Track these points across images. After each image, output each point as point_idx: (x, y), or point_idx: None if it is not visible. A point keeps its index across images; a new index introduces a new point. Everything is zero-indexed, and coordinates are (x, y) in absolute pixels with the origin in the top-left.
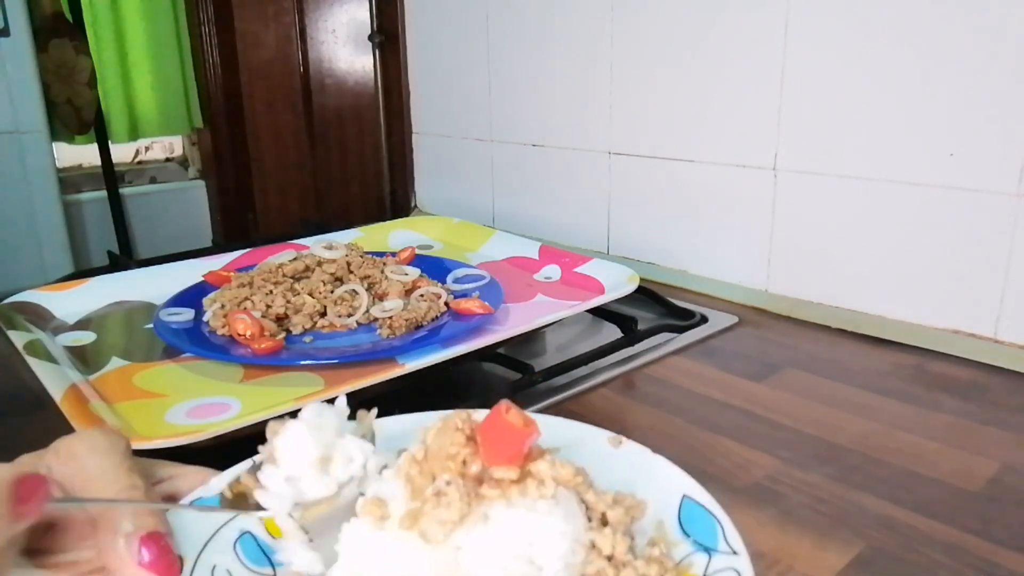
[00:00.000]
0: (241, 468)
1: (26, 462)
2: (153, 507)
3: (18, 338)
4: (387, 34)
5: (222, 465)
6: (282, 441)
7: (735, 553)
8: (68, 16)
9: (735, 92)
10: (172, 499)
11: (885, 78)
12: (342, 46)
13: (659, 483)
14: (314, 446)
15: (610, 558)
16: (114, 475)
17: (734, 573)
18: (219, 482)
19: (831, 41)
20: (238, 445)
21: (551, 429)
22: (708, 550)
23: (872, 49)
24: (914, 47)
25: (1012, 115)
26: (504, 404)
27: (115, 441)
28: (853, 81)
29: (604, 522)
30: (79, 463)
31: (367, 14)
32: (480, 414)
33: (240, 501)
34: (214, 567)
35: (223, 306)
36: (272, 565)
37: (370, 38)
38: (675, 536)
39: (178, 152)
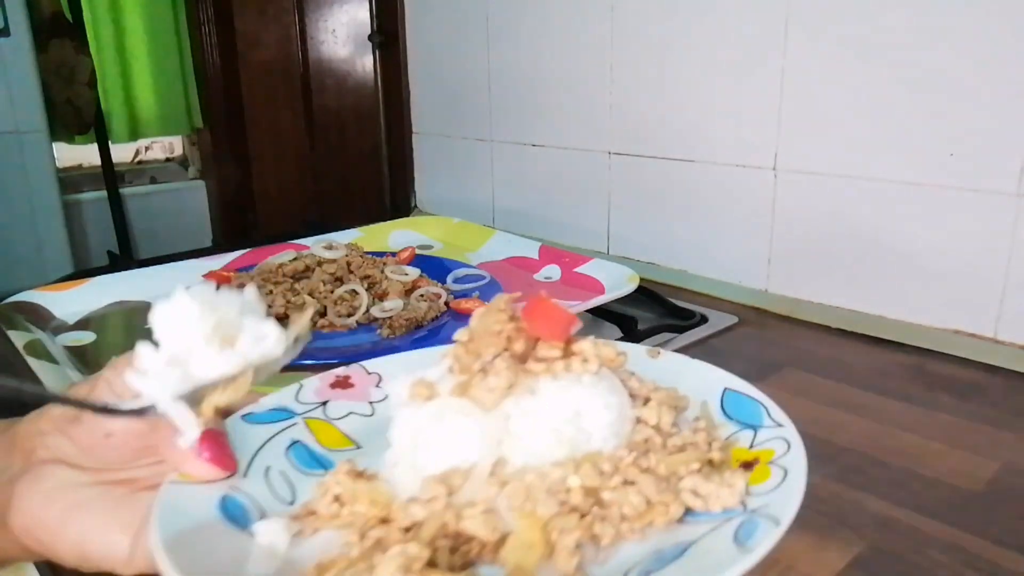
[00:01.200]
0: (289, 391)
1: (82, 383)
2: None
3: (18, 338)
4: (387, 34)
5: None
6: (162, 315)
7: (780, 425)
8: (68, 16)
9: (735, 92)
10: (225, 414)
11: (885, 78)
12: (342, 46)
13: (700, 380)
14: (204, 318)
15: (657, 429)
16: None
17: (782, 441)
18: (270, 400)
19: (831, 41)
20: None
21: None
22: (753, 427)
23: (872, 49)
24: (914, 47)
25: (1012, 115)
26: (544, 293)
27: None
28: (853, 81)
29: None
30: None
31: (367, 14)
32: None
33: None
34: (268, 468)
35: None
36: (324, 468)
37: (370, 38)
38: (720, 419)
39: (178, 152)
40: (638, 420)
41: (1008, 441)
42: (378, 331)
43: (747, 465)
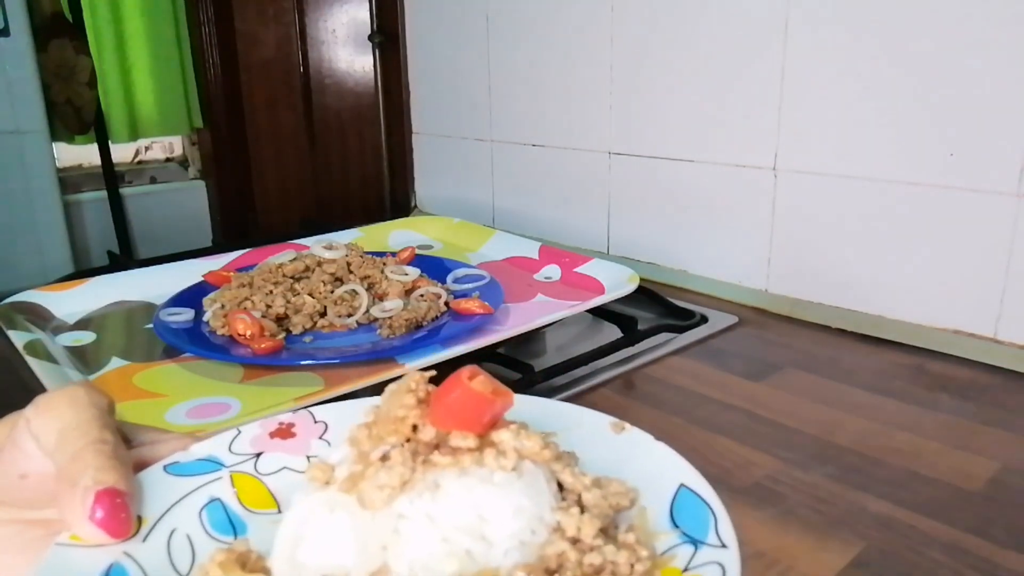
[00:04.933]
0: (224, 437)
1: (5, 419)
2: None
3: (18, 338)
4: (387, 34)
5: None
6: None
7: (724, 547)
8: (68, 16)
9: (735, 92)
10: (147, 463)
11: (885, 78)
12: (342, 46)
13: (656, 471)
14: None
15: (575, 541)
16: (87, 427)
17: (717, 567)
18: (200, 448)
19: (831, 41)
20: None
21: (548, 411)
22: (696, 542)
23: (872, 49)
24: (914, 47)
25: (1012, 115)
26: (468, 370)
27: (96, 398)
28: (853, 81)
29: (583, 506)
30: (56, 414)
31: (367, 14)
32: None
33: None
34: (173, 531)
35: (223, 306)
36: (236, 534)
37: (370, 38)
38: (663, 527)
39: (178, 152)
40: (556, 528)
41: (1008, 441)
42: (378, 331)
43: None
